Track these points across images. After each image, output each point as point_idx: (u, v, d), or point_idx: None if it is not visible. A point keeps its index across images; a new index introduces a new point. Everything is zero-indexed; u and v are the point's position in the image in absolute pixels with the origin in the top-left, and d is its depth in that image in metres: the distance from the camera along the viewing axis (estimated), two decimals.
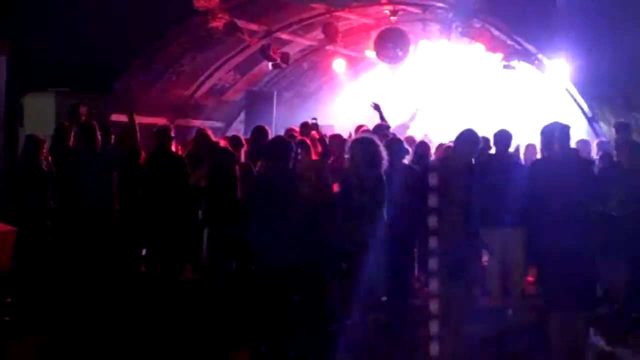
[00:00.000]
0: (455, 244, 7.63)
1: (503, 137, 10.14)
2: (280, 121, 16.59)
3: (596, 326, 8.44)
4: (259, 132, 10.88)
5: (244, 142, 10.71)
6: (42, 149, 10.66)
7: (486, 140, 10.49)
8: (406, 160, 9.67)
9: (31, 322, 9.10)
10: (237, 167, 9.89)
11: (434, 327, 7.50)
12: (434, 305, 7.56)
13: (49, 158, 10.70)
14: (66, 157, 10.50)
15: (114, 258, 10.46)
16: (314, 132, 10.96)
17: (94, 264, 10.14)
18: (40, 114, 13.66)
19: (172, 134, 11.34)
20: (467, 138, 8.28)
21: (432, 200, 7.67)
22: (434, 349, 7.45)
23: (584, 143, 11.71)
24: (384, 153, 8.12)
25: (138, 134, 10.56)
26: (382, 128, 10.71)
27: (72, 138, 10.75)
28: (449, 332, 7.61)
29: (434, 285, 7.67)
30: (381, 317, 8.23)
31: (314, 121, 11.73)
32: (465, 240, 7.74)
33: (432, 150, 11.62)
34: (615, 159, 10.28)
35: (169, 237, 11.03)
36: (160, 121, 13.38)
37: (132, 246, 11.14)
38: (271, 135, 11.26)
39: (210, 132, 11.26)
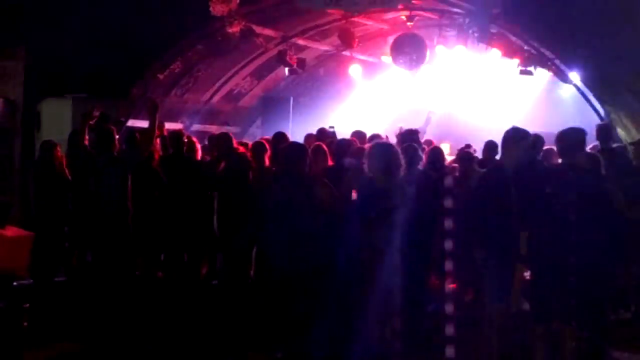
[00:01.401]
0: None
1: (535, 143, 10.18)
2: (297, 127, 16.60)
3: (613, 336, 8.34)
4: (280, 139, 10.89)
5: (267, 147, 10.70)
6: (57, 154, 10.71)
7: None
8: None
9: (50, 328, 9.12)
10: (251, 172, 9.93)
11: (449, 330, 7.47)
12: (449, 309, 7.53)
13: (64, 162, 10.73)
14: (82, 161, 10.52)
15: (129, 262, 10.48)
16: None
17: (110, 268, 10.15)
18: (57, 119, 13.72)
19: (185, 139, 11.33)
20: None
21: (448, 203, 7.64)
22: (450, 351, 7.42)
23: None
24: (402, 160, 8.06)
25: (156, 138, 10.58)
26: (413, 133, 10.70)
27: (86, 142, 10.76)
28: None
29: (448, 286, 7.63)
30: (397, 324, 8.18)
31: (331, 129, 11.74)
32: None
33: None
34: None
35: (185, 242, 11.03)
36: (177, 126, 13.42)
37: (148, 250, 11.15)
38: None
39: (232, 135, 11.23)
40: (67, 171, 10.72)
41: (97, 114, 11.02)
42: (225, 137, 10.93)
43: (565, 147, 7.76)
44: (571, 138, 7.72)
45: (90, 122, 10.62)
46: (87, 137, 10.48)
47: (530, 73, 14.63)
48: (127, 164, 10.27)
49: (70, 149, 11.02)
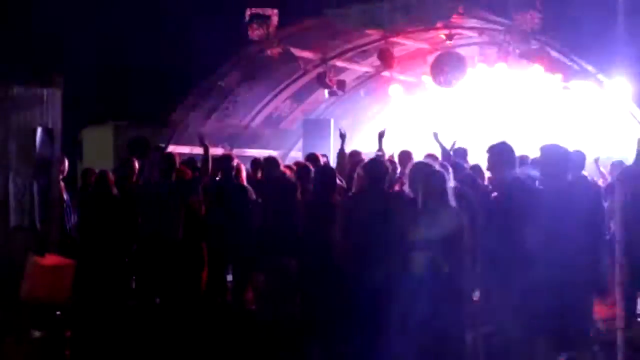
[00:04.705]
0: None
1: (577, 158, 10.00)
2: (338, 149, 16.51)
3: None
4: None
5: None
6: (110, 181, 10.76)
7: None
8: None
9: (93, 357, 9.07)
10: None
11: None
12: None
13: (114, 190, 10.76)
14: (145, 190, 10.51)
15: (196, 288, 10.46)
16: None
17: (174, 296, 10.14)
18: (99, 147, 13.80)
19: (234, 163, 11.27)
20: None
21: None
22: None
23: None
24: (446, 182, 7.86)
25: (210, 164, 10.55)
26: (461, 152, 10.58)
27: (136, 171, 10.74)
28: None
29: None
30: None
31: (379, 154, 11.63)
32: None
33: None
34: None
35: (233, 265, 10.96)
36: (217, 151, 13.37)
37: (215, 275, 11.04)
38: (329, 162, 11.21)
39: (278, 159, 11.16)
40: (125, 198, 10.71)
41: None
42: (270, 161, 10.91)
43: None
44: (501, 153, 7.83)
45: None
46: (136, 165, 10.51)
47: (572, 88, 14.44)
48: (189, 190, 10.27)
49: (125, 176, 11.00)
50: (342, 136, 10.45)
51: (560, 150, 7.92)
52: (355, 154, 11.44)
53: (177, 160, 10.75)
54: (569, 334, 7.50)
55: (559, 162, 7.81)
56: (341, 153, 10.30)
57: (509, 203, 7.67)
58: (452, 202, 7.65)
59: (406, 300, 7.42)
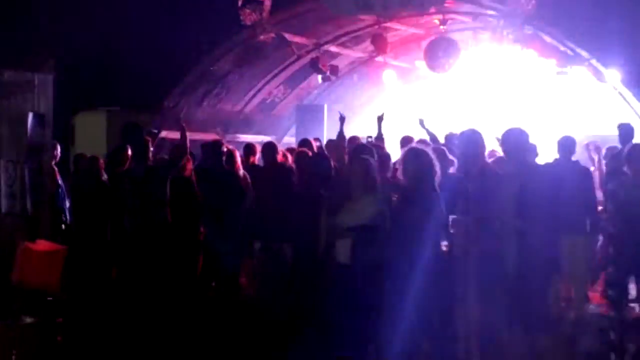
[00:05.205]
0: None
1: (568, 143, 10.03)
2: (331, 134, 16.47)
3: None
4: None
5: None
6: (101, 166, 10.70)
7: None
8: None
9: (85, 343, 9.06)
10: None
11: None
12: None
13: (104, 176, 10.70)
14: (126, 175, 10.46)
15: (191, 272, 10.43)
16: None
17: (152, 281, 10.09)
18: (91, 132, 13.74)
19: (225, 149, 11.23)
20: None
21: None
22: None
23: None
24: (437, 166, 7.86)
25: (188, 148, 10.51)
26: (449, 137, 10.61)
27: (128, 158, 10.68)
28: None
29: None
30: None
31: (369, 139, 11.61)
32: None
33: None
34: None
35: (223, 251, 10.92)
36: (210, 137, 13.32)
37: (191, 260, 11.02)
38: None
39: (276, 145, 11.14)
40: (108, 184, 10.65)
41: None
42: (269, 147, 10.91)
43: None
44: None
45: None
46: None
47: (566, 73, 14.42)
48: (165, 175, 10.21)
49: (113, 164, 10.94)
50: (342, 119, 10.44)
51: (522, 134, 7.89)
52: (354, 139, 11.43)
53: (151, 144, 10.65)
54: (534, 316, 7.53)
55: (519, 146, 7.79)
56: (340, 135, 10.29)
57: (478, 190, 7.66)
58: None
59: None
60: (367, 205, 7.76)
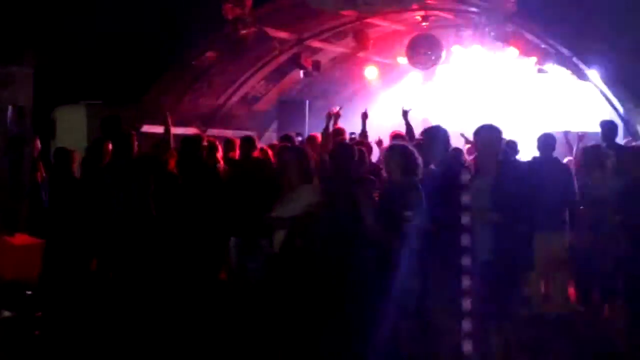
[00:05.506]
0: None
1: (548, 140, 10.13)
2: (313, 130, 16.46)
3: None
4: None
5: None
6: (74, 160, 10.61)
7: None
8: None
9: (63, 337, 9.01)
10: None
11: (466, 325, 7.29)
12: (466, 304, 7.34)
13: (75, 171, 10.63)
14: (105, 171, 10.40)
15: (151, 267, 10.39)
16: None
17: (132, 274, 10.07)
18: (71, 126, 13.70)
19: (204, 143, 11.21)
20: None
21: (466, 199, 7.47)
22: (467, 347, 7.25)
23: None
24: (419, 160, 7.95)
25: (172, 141, 10.51)
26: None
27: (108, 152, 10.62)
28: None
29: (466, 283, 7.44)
30: (413, 325, 8.02)
31: (353, 136, 11.63)
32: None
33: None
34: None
35: (202, 245, 10.90)
36: (191, 131, 13.30)
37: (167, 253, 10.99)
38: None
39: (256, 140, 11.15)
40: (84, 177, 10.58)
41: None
42: (248, 142, 10.90)
43: None
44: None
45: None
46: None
47: (546, 72, 14.50)
48: (146, 168, 10.19)
49: (92, 158, 10.87)
50: (334, 117, 10.55)
51: (493, 130, 7.91)
52: (339, 132, 11.46)
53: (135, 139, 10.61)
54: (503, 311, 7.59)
55: (488, 142, 7.83)
56: (326, 132, 10.40)
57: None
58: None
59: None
60: (302, 195, 7.87)
